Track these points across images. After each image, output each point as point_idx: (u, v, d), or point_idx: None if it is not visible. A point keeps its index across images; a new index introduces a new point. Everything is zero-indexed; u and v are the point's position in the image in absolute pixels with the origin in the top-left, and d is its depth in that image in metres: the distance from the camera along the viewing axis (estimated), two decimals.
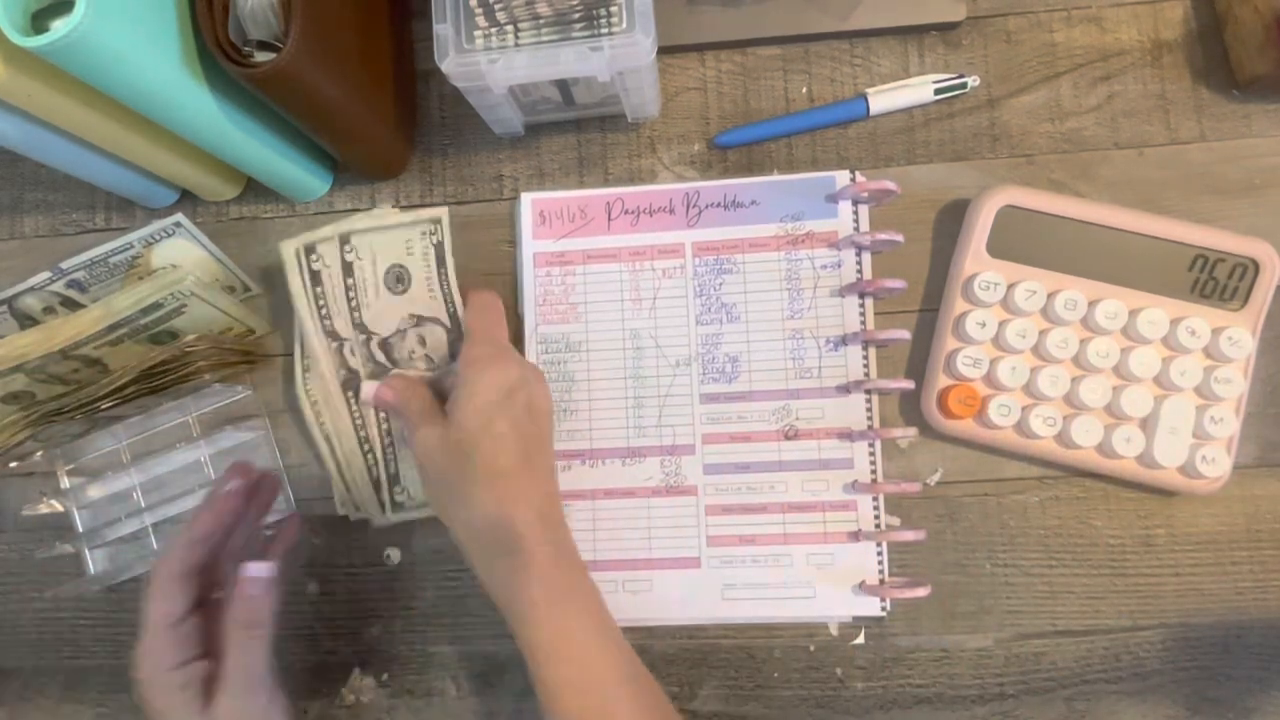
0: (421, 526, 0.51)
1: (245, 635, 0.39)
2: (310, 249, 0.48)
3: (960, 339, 0.48)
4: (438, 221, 0.50)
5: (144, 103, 0.40)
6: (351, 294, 0.49)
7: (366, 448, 0.50)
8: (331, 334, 0.49)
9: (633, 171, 0.53)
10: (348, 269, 0.49)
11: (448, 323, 0.50)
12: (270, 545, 0.46)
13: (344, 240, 0.48)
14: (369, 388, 0.48)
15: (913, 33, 0.52)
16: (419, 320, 0.50)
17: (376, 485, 0.50)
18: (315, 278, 0.48)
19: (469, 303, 0.49)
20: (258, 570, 0.38)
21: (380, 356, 0.49)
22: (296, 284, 0.48)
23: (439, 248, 0.50)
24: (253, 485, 0.44)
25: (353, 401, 0.50)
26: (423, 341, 0.50)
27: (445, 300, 0.50)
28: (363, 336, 0.49)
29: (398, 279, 0.50)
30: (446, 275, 0.50)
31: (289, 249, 0.47)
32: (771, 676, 0.49)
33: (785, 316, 0.50)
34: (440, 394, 0.45)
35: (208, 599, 0.42)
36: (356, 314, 0.49)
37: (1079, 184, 0.50)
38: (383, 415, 0.50)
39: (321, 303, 0.48)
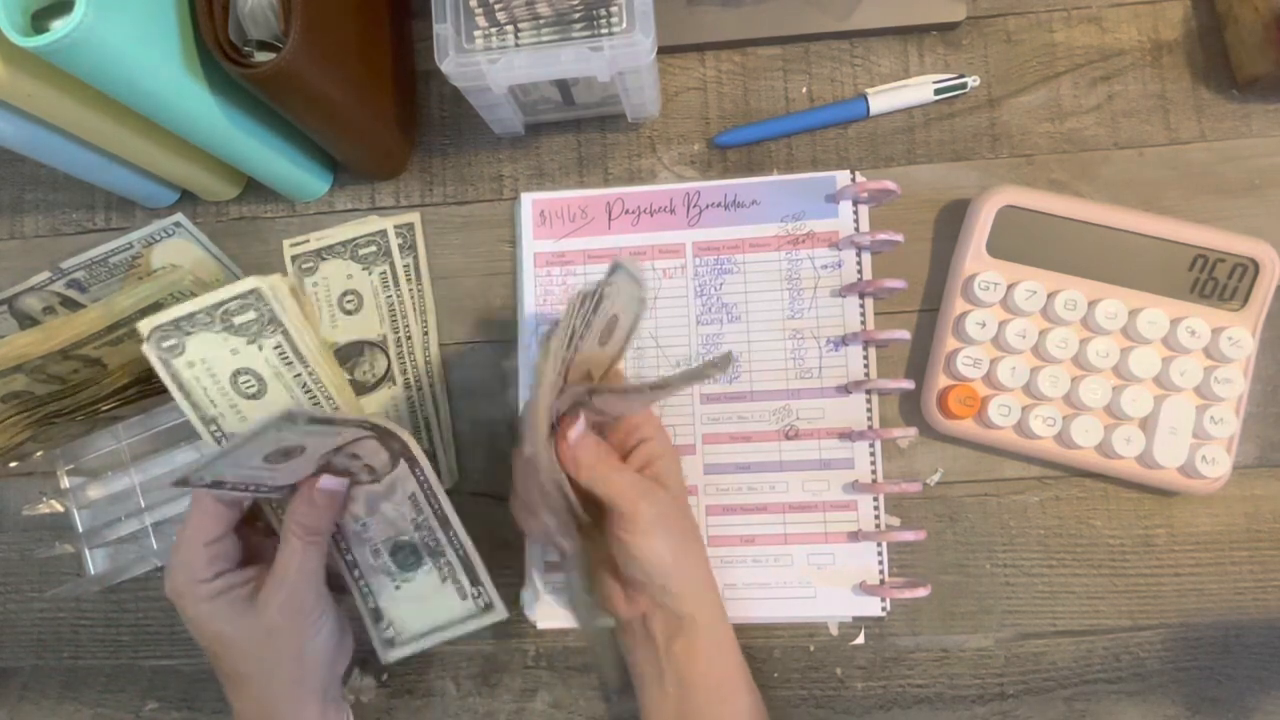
0: None
1: (301, 536, 0.38)
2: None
3: (960, 339, 0.48)
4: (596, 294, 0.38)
5: (144, 103, 0.40)
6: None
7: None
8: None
9: (633, 171, 0.53)
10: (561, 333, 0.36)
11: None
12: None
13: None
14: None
15: (913, 33, 0.52)
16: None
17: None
18: None
19: (613, 377, 0.45)
20: (330, 483, 0.38)
21: None
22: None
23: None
24: None
25: None
26: None
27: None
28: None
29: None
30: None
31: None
32: (771, 676, 0.49)
33: (785, 316, 0.50)
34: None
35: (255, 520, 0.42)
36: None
37: (1079, 184, 0.50)
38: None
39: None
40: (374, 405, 0.51)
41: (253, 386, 0.41)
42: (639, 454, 0.43)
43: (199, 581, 0.39)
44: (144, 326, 0.40)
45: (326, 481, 0.38)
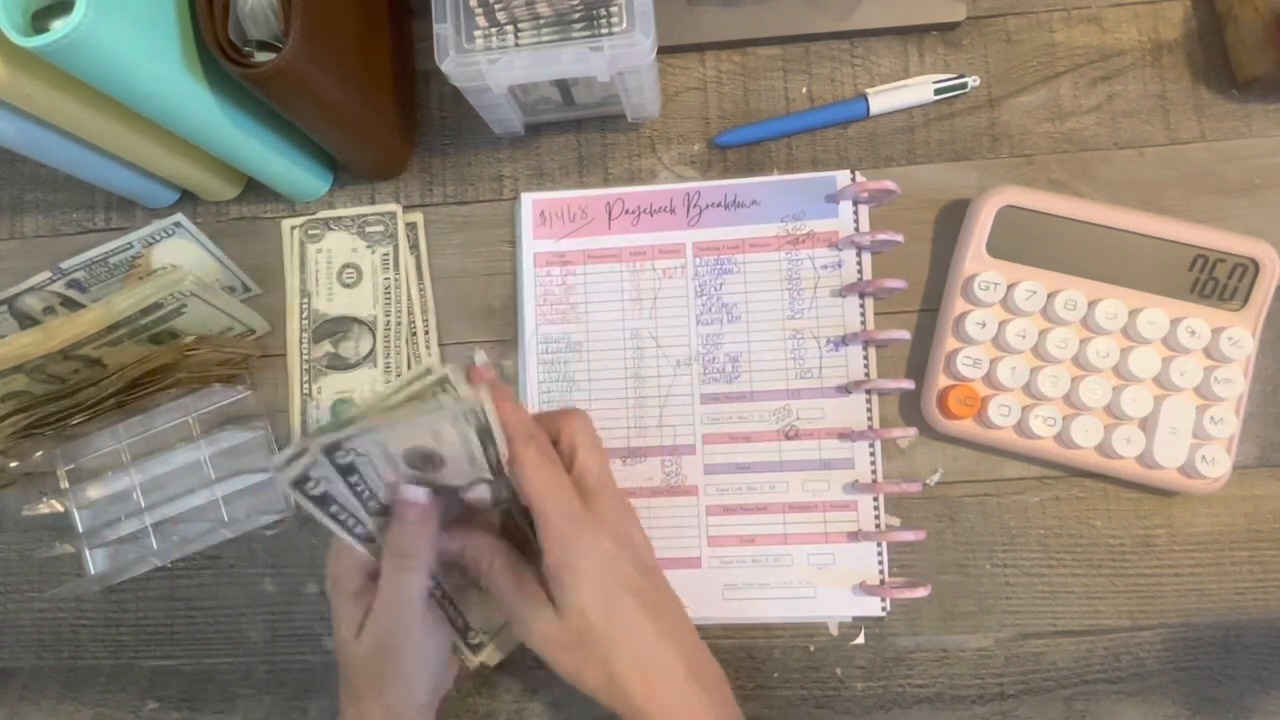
0: None
1: (397, 563, 0.36)
2: (334, 448, 0.33)
3: (960, 339, 0.48)
4: (481, 407, 0.34)
5: (144, 103, 0.40)
6: (361, 487, 0.36)
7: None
8: (368, 538, 0.38)
9: (633, 171, 0.53)
10: (347, 471, 0.34)
11: (490, 477, 0.38)
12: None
13: (331, 451, 0.33)
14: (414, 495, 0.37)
15: (913, 33, 0.52)
16: (454, 490, 0.39)
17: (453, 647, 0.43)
18: (349, 469, 0.34)
19: (524, 461, 0.37)
20: (413, 494, 0.35)
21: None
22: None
23: (484, 432, 0.35)
24: None
25: None
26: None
27: (489, 462, 0.37)
28: (383, 519, 0.38)
29: (426, 459, 0.35)
30: (494, 445, 0.36)
31: (315, 448, 0.33)
32: (771, 676, 0.49)
33: (786, 316, 0.50)
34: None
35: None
36: (372, 503, 0.37)
37: (1079, 184, 0.50)
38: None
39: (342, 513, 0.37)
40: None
41: (352, 278, 0.53)
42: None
43: (352, 573, 0.39)
44: (297, 219, 0.54)
45: (408, 493, 0.35)
